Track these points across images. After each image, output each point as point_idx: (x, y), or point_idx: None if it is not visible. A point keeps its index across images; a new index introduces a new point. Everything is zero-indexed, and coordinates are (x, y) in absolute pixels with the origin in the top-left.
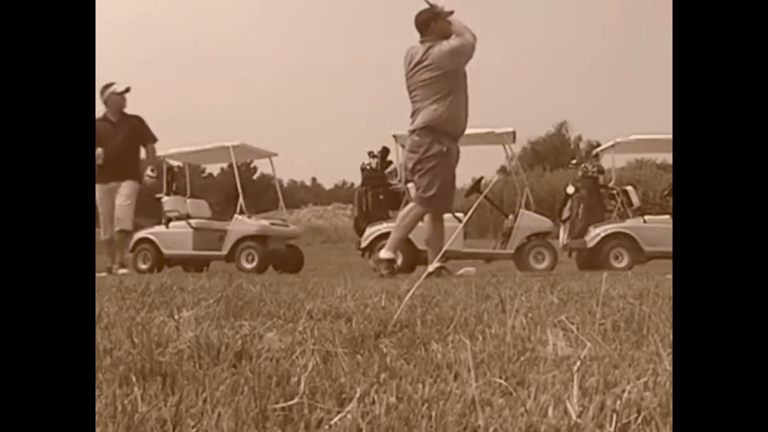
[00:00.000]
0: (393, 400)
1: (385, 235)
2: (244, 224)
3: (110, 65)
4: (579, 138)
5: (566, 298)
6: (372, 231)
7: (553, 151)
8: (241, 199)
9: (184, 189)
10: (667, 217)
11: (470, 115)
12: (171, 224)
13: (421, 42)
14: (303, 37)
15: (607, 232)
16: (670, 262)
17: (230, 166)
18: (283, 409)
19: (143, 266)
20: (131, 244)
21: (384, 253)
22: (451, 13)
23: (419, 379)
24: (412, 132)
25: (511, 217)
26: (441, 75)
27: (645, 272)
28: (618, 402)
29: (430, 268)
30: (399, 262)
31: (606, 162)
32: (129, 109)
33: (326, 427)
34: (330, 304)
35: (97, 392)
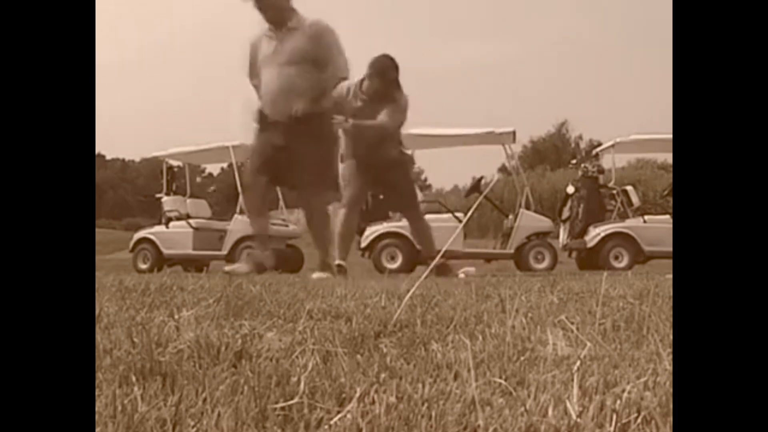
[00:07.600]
0: (393, 399)
1: (385, 235)
2: (244, 224)
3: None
4: (579, 137)
5: (566, 298)
6: (372, 231)
7: (554, 151)
8: (241, 199)
9: (184, 189)
10: (667, 217)
11: (470, 115)
12: (171, 224)
13: None
14: None
15: (607, 232)
16: (670, 262)
17: (230, 165)
18: (283, 408)
19: (143, 266)
20: (131, 244)
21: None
22: None
23: (419, 379)
24: None
25: (511, 217)
26: None
27: (645, 272)
28: (618, 402)
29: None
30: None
31: (606, 162)
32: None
33: (326, 427)
34: (330, 304)
35: (97, 392)
